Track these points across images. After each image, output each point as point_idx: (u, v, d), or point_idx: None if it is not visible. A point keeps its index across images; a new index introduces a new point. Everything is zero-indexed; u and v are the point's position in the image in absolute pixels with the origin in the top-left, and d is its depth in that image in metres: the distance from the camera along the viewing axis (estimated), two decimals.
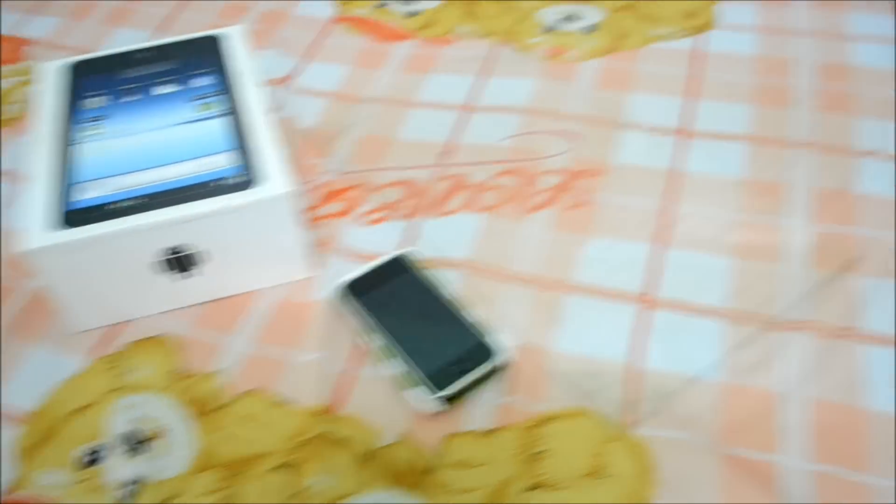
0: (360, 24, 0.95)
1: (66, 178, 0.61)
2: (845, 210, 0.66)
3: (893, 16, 0.88)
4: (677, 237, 0.65)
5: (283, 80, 0.86)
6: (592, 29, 0.90)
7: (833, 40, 0.85)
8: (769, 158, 0.72)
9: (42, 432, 0.56)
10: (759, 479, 0.50)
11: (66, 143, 0.65)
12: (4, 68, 0.93)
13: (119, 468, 0.53)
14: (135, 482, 0.53)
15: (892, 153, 0.71)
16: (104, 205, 0.59)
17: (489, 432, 0.54)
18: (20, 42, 0.98)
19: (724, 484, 0.50)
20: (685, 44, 0.86)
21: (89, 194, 0.60)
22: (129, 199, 0.59)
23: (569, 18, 0.92)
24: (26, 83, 0.91)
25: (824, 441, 0.51)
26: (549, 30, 0.90)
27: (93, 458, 0.54)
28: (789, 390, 0.54)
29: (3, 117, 0.86)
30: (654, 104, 0.79)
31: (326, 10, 0.98)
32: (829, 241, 0.64)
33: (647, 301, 0.61)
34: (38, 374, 0.60)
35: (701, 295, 0.61)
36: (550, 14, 0.93)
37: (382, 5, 0.98)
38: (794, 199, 0.67)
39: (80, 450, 0.55)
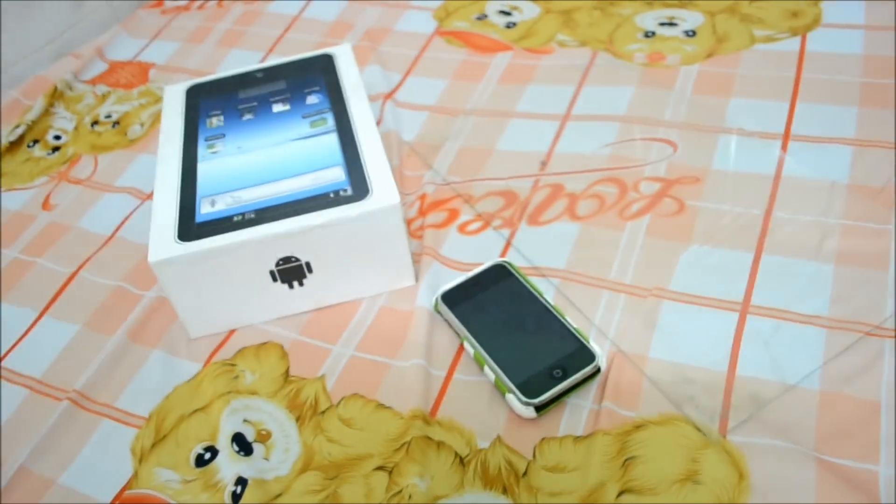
0: (460, 37, 0.97)
1: (189, 193, 0.66)
2: None
3: None
4: (777, 243, 0.64)
5: (387, 95, 0.89)
6: (693, 33, 0.89)
7: None
8: (875, 161, 0.69)
9: (158, 432, 0.60)
10: (857, 488, 0.49)
11: (189, 160, 0.70)
12: (130, 91, 1.00)
13: (229, 467, 0.57)
14: (243, 481, 0.56)
15: None
16: (224, 218, 0.63)
17: (582, 438, 0.55)
18: (144, 66, 1.05)
19: (819, 492, 0.49)
20: (789, 45, 0.84)
21: (210, 208, 0.64)
22: (246, 212, 0.63)
23: (668, 23, 0.92)
24: (150, 104, 0.97)
25: None
26: (649, 35, 0.90)
27: (205, 458, 0.58)
28: (890, 399, 0.53)
29: (128, 137, 0.92)
30: (756, 108, 0.77)
31: (428, 25, 1.01)
32: None
33: (745, 308, 0.60)
34: (157, 378, 0.64)
35: (801, 302, 0.59)
36: (649, 19, 0.93)
37: (482, 17, 1.00)
38: None
39: (194, 449, 0.59)
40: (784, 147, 0.72)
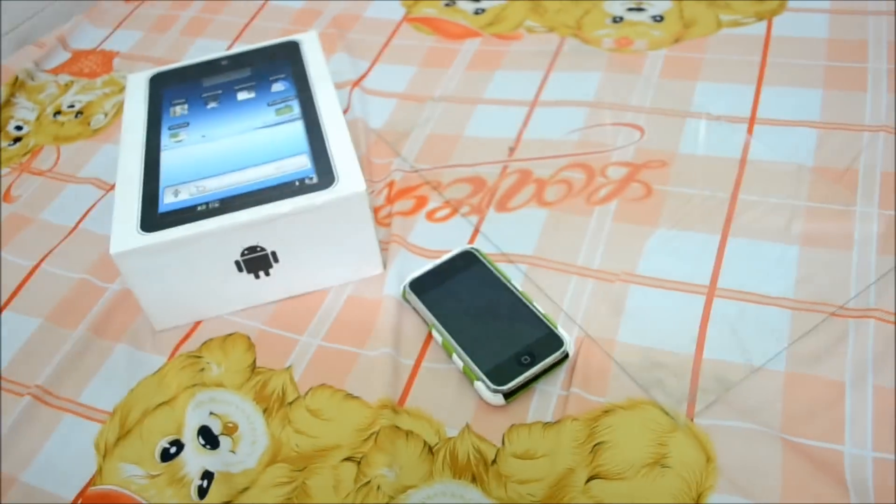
0: (428, 23, 0.97)
1: (152, 183, 0.65)
2: None
3: None
4: (743, 226, 0.64)
5: (354, 83, 0.88)
6: (660, 18, 0.89)
7: None
8: (839, 144, 0.70)
9: (123, 427, 0.60)
10: (822, 468, 0.49)
11: (152, 149, 0.69)
12: (94, 81, 0.99)
13: (195, 461, 0.56)
14: (209, 475, 0.55)
15: None
16: (187, 208, 0.62)
17: (551, 424, 0.54)
18: (108, 55, 1.03)
19: (785, 473, 0.49)
20: (755, 29, 0.85)
21: (173, 198, 0.63)
22: (210, 201, 0.62)
23: (636, 8, 0.91)
24: (113, 94, 0.96)
25: (889, 429, 0.50)
26: (617, 20, 0.90)
27: (171, 452, 0.57)
28: (855, 379, 0.53)
29: (91, 126, 0.91)
30: (723, 92, 0.77)
31: (396, 12, 1.00)
32: None
33: (711, 291, 0.60)
34: (121, 371, 0.63)
35: (766, 284, 0.60)
36: (617, 4, 0.93)
37: (450, 4, 0.99)
38: (864, 185, 0.66)
39: (159, 444, 0.58)
40: (750, 130, 0.73)
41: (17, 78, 0.99)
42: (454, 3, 0.99)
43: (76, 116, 0.93)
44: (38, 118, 0.94)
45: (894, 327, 0.56)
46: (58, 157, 0.87)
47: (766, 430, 0.51)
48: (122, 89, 0.96)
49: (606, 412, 0.54)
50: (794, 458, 0.50)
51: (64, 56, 1.05)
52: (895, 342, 0.55)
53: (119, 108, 0.93)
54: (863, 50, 0.79)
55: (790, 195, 0.66)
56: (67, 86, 0.99)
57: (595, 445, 0.52)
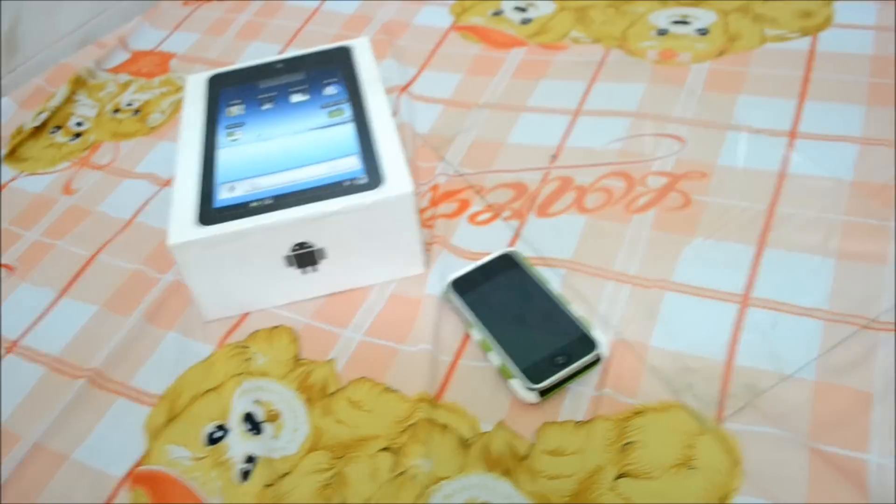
0: (475, 32, 0.99)
1: (208, 179, 0.68)
2: None
3: None
4: (780, 238, 0.65)
5: (402, 88, 0.91)
6: (705, 31, 0.90)
7: None
8: (879, 159, 0.70)
9: (171, 411, 0.62)
10: (847, 476, 0.50)
11: (209, 147, 0.72)
12: (151, 80, 1.02)
13: (239, 446, 0.59)
14: (252, 459, 0.58)
15: None
16: (241, 204, 0.65)
17: (583, 423, 0.56)
18: (165, 56, 1.07)
19: (811, 479, 0.50)
20: (800, 44, 0.85)
21: (229, 194, 0.66)
22: (264, 198, 0.65)
23: (681, 21, 0.93)
24: (170, 93, 0.99)
25: None
26: (662, 33, 0.91)
27: (216, 436, 0.60)
28: (883, 390, 0.54)
29: (148, 124, 0.94)
30: (764, 106, 0.78)
31: (444, 20, 1.02)
32: None
33: (745, 300, 0.61)
34: (171, 358, 0.66)
35: (800, 295, 0.61)
36: (663, 17, 0.94)
37: (498, 13, 1.01)
38: None
39: (205, 428, 0.61)
40: (790, 144, 0.74)
41: (78, 76, 1.04)
42: (501, 12, 1.01)
43: (134, 114, 0.97)
44: (97, 115, 0.98)
45: None
46: (116, 153, 0.91)
47: (793, 436, 0.52)
48: (178, 89, 1.00)
49: (637, 413, 0.56)
50: (820, 464, 0.51)
51: (124, 56, 1.09)
52: None
53: (175, 107, 0.96)
54: None
55: (827, 209, 0.67)
56: (126, 85, 1.03)
57: (625, 445, 0.54)
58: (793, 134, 0.75)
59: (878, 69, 0.80)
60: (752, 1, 0.93)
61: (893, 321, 0.58)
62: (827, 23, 0.88)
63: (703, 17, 0.93)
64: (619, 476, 0.52)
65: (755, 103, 0.79)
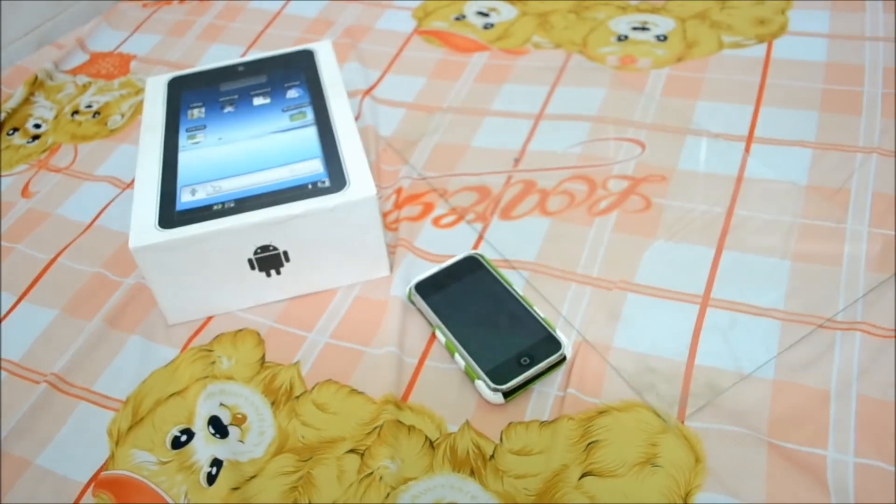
0: (438, 36, 0.99)
1: (170, 182, 0.68)
2: None
3: None
4: (738, 240, 0.67)
5: (366, 92, 0.91)
6: (664, 37, 0.92)
7: None
8: (833, 164, 0.72)
9: (135, 415, 0.62)
10: (806, 471, 0.51)
11: (170, 150, 0.71)
12: (111, 82, 1.01)
13: (205, 449, 0.59)
14: (218, 463, 0.58)
15: None
16: (204, 207, 0.64)
17: (548, 423, 0.57)
18: (125, 58, 1.06)
19: (770, 475, 0.51)
20: (756, 51, 0.87)
21: (190, 197, 0.66)
22: (226, 201, 0.65)
23: (641, 27, 0.94)
24: (130, 95, 0.98)
25: (871, 436, 0.53)
26: (621, 39, 0.93)
27: (181, 440, 0.60)
28: (840, 388, 0.55)
29: (108, 127, 0.93)
30: (722, 111, 0.80)
31: (407, 24, 1.03)
32: (889, 246, 0.64)
33: (705, 301, 0.62)
34: (135, 362, 0.66)
35: (758, 296, 0.62)
36: (623, 23, 0.95)
37: (461, 18, 1.02)
38: (856, 204, 0.68)
39: (171, 432, 0.60)
40: (747, 149, 0.75)
41: (36, 77, 1.02)
42: (464, 17, 1.02)
43: (93, 116, 0.96)
44: (56, 117, 0.97)
45: (880, 340, 0.58)
46: (75, 156, 0.90)
47: (753, 433, 0.54)
48: (138, 91, 0.99)
49: (601, 413, 0.57)
50: (779, 460, 0.52)
51: (82, 57, 1.08)
52: (878, 353, 0.57)
53: (136, 110, 0.95)
54: (859, 74, 0.82)
55: (784, 212, 0.68)
56: (85, 87, 1.01)
57: (589, 444, 0.55)
58: (749, 138, 0.76)
59: (831, 76, 0.82)
60: (709, 7, 0.95)
61: (848, 320, 0.59)
62: (782, 30, 0.90)
63: (662, 23, 0.94)
64: (584, 475, 0.53)
65: (713, 108, 0.81)
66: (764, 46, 0.88)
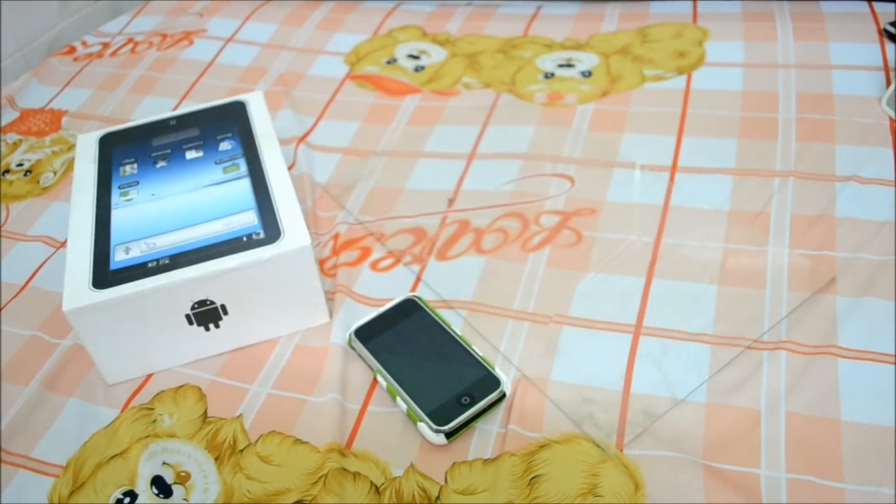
0: (370, 80, 1.01)
1: (103, 240, 0.67)
2: (826, 234, 0.69)
3: (871, 44, 0.91)
4: (666, 268, 0.69)
5: (300, 139, 0.92)
6: (589, 73, 0.95)
7: (815, 70, 0.89)
8: (753, 189, 0.75)
9: (76, 480, 0.61)
10: (741, 490, 0.53)
11: (102, 208, 0.71)
12: (42, 139, 1.00)
13: None
14: None
15: (869, 177, 0.74)
16: (138, 265, 0.64)
17: (491, 460, 0.58)
18: (57, 114, 1.05)
19: (707, 496, 0.53)
20: (676, 83, 0.91)
21: (124, 255, 0.65)
22: (161, 258, 0.65)
23: (567, 64, 0.97)
24: (62, 152, 0.97)
25: (801, 452, 0.55)
26: (548, 76, 0.95)
27: (124, 502, 0.59)
28: (769, 407, 0.57)
29: (40, 185, 0.92)
30: (647, 143, 0.83)
31: (339, 70, 1.04)
32: (809, 265, 0.67)
33: (637, 330, 0.64)
34: (74, 426, 0.65)
35: (688, 322, 0.64)
36: (549, 61, 0.98)
37: (392, 62, 1.04)
38: (776, 226, 0.71)
39: (113, 495, 0.59)
40: (672, 178, 0.78)
41: None
42: (395, 60, 1.04)
43: (25, 175, 0.95)
44: None
45: (804, 357, 0.60)
46: (7, 216, 0.89)
47: (689, 457, 0.55)
48: (70, 147, 0.98)
49: (542, 447, 0.58)
50: (715, 482, 0.54)
51: (12, 115, 1.07)
52: (806, 370, 0.59)
53: (68, 166, 0.95)
54: (773, 101, 0.85)
55: (709, 237, 0.71)
56: (16, 144, 1.00)
57: (532, 479, 0.56)
58: (674, 168, 0.79)
59: (748, 104, 0.86)
60: (631, 42, 0.98)
61: (774, 340, 0.62)
62: (700, 62, 0.93)
63: (586, 59, 0.97)
64: None
65: (638, 140, 0.83)
66: (684, 78, 0.91)
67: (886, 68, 0.88)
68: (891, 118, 0.80)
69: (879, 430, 0.55)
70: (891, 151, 0.77)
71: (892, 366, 0.59)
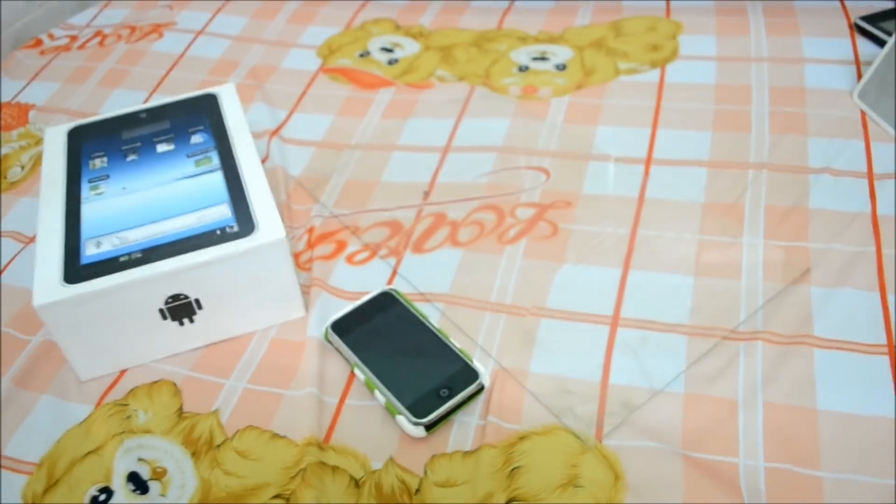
0: (344, 73, 1.00)
1: (73, 235, 0.66)
2: (799, 225, 0.70)
3: (842, 39, 0.93)
4: (643, 260, 0.69)
5: (273, 132, 0.91)
6: (563, 66, 0.95)
7: (788, 64, 0.90)
8: (727, 181, 0.76)
9: (50, 477, 0.60)
10: (720, 480, 0.53)
11: (72, 202, 0.70)
12: (9, 133, 0.99)
13: None
14: None
15: (842, 169, 0.75)
16: (110, 259, 0.63)
17: (470, 452, 0.57)
18: (24, 108, 1.03)
19: (686, 486, 0.53)
20: (650, 76, 0.91)
21: (95, 250, 0.64)
22: (133, 252, 0.64)
23: (541, 58, 0.97)
24: (30, 146, 0.96)
25: (779, 441, 0.55)
26: (523, 69, 0.95)
27: (100, 499, 0.58)
28: (746, 396, 0.58)
29: (7, 180, 0.91)
30: (621, 135, 0.83)
31: (312, 63, 1.03)
32: (784, 256, 0.68)
33: (615, 321, 0.64)
34: (47, 423, 0.64)
35: (664, 313, 0.64)
36: (523, 54, 0.98)
37: (365, 55, 1.03)
38: (750, 218, 0.71)
39: (88, 492, 0.59)
40: (647, 171, 0.78)
41: None
42: (368, 53, 1.03)
43: None
44: None
45: (780, 347, 0.61)
46: None
47: (668, 447, 0.55)
48: (38, 142, 0.96)
49: (522, 438, 0.58)
50: (694, 471, 0.54)
51: None
52: (782, 360, 0.60)
53: (36, 161, 0.93)
54: (747, 94, 0.86)
55: (684, 229, 0.71)
56: None
57: (512, 470, 0.56)
58: (648, 160, 0.79)
59: (722, 96, 0.86)
60: (605, 35, 0.99)
61: (750, 330, 0.62)
62: (674, 55, 0.94)
63: (560, 53, 0.97)
64: (510, 501, 0.54)
65: (613, 133, 0.84)
66: (658, 71, 0.92)
67: (857, 62, 0.89)
68: (862, 111, 0.81)
69: (855, 418, 0.56)
70: (863, 144, 0.78)
71: (867, 355, 0.60)
